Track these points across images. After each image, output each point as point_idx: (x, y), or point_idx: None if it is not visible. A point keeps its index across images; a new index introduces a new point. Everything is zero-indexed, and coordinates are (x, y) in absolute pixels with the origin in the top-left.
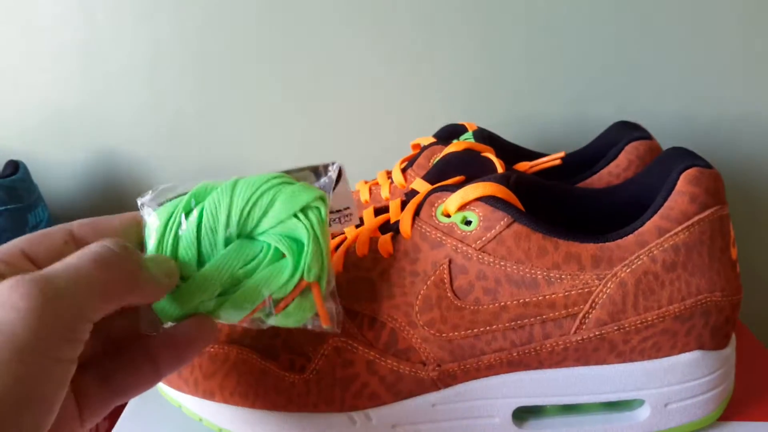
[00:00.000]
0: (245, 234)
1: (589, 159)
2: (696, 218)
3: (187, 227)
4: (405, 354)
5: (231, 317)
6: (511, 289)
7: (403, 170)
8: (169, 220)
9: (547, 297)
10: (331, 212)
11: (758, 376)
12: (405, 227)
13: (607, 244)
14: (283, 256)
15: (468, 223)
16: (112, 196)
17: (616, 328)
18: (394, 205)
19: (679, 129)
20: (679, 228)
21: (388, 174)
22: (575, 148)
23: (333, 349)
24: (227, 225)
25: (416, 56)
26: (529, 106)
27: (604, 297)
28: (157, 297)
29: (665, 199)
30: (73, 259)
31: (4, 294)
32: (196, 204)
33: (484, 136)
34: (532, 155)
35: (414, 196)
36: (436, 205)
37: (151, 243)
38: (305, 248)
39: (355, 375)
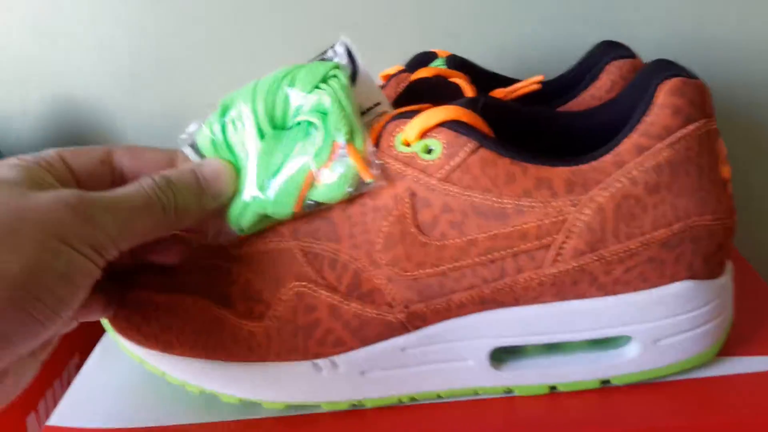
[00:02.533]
0: (279, 125)
1: (570, 83)
2: (680, 133)
3: (228, 135)
4: (370, 296)
5: (284, 208)
6: (478, 221)
7: None
8: (211, 135)
9: (517, 228)
10: (362, 112)
11: (758, 310)
12: None
13: (580, 167)
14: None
15: (430, 151)
16: (71, 145)
17: (595, 258)
18: None
19: (669, 53)
20: (661, 144)
21: None
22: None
23: (293, 295)
24: (256, 121)
25: None
26: (511, 34)
27: (581, 224)
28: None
29: (644, 114)
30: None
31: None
32: (227, 113)
33: (456, 62)
34: (510, 82)
35: None
36: (394, 134)
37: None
38: (329, 111)
39: (318, 321)
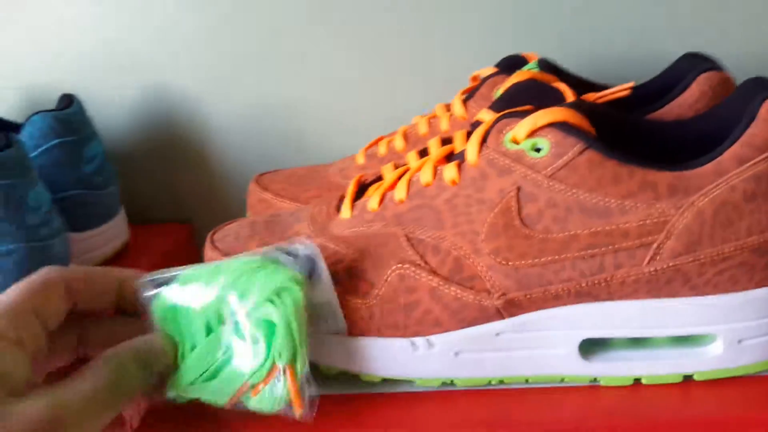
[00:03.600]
0: (226, 317)
1: (657, 91)
2: None
3: (173, 314)
4: (469, 282)
5: (217, 401)
6: (582, 218)
7: (464, 102)
8: (162, 308)
9: (620, 226)
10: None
11: None
12: (472, 154)
13: (684, 172)
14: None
15: (538, 150)
16: (164, 133)
17: (691, 259)
18: (460, 135)
19: (749, 67)
20: (761, 157)
21: (447, 108)
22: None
23: (397, 276)
24: (205, 313)
25: None
26: (590, 39)
27: (680, 227)
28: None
29: (747, 127)
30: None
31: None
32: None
33: (548, 66)
34: (597, 87)
35: (478, 126)
36: (504, 131)
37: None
38: (277, 333)
39: (419, 301)
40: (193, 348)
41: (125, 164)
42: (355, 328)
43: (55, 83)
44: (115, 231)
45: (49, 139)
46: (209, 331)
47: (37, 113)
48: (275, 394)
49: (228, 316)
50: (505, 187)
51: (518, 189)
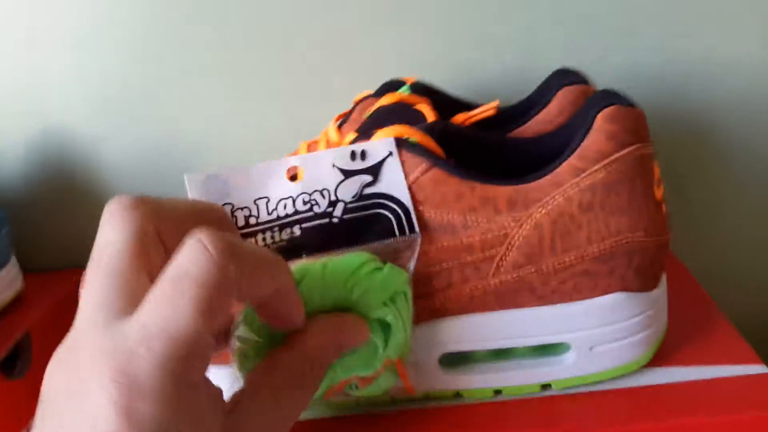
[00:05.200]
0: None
1: (525, 109)
2: (613, 157)
3: None
4: None
5: (320, 390)
6: (429, 234)
7: (339, 126)
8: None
9: (464, 241)
10: None
11: (693, 319)
12: None
13: (522, 186)
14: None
15: None
16: (56, 176)
17: (533, 270)
18: None
19: (626, 80)
20: (596, 167)
21: (327, 132)
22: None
23: None
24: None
25: (363, 7)
26: (480, 59)
27: (520, 239)
28: None
29: (582, 139)
30: None
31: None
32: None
33: (420, 88)
34: (472, 106)
35: None
36: None
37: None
38: (392, 334)
39: None
40: None
41: (15, 210)
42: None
43: None
44: (5, 281)
45: None
46: None
47: None
48: (385, 383)
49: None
50: None
51: None
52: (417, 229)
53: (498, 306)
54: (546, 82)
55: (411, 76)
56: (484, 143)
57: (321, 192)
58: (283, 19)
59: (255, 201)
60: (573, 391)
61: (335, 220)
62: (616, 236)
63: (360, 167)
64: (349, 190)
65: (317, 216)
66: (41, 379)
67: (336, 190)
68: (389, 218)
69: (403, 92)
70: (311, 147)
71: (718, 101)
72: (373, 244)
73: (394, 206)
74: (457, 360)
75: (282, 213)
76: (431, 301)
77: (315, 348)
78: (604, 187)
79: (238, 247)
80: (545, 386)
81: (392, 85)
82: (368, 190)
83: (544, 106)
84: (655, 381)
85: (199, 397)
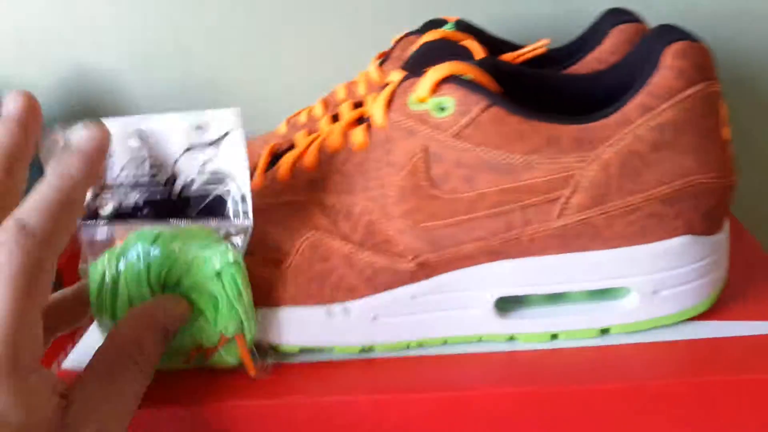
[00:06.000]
0: (169, 286)
1: (576, 49)
2: (683, 94)
3: (119, 279)
4: (383, 246)
5: (170, 365)
6: (489, 176)
7: (380, 65)
8: (103, 272)
9: (527, 182)
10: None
11: (752, 274)
12: (378, 118)
13: (588, 125)
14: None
15: (442, 109)
16: (81, 116)
17: (599, 212)
18: (371, 98)
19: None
20: (665, 105)
21: (367, 72)
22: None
23: (309, 244)
24: (148, 279)
25: None
26: (515, 4)
27: (586, 180)
28: None
29: (650, 75)
30: None
31: None
32: (123, 255)
33: (465, 27)
34: (517, 47)
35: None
36: (409, 92)
37: (92, 292)
38: (219, 310)
39: (332, 268)
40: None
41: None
42: (270, 299)
43: None
44: None
45: None
46: (154, 294)
47: None
48: (228, 358)
49: (173, 285)
50: (412, 148)
51: (425, 150)
52: (250, 214)
53: (559, 249)
54: (596, 22)
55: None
56: (539, 80)
57: (164, 161)
58: None
59: (107, 156)
60: (630, 339)
61: (173, 195)
62: (685, 177)
63: (202, 141)
64: (190, 163)
65: (158, 186)
66: None
67: (178, 162)
68: (225, 200)
69: (447, 29)
70: (350, 87)
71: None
72: (207, 222)
73: (231, 188)
74: (511, 303)
75: (125, 176)
76: (489, 243)
77: (129, 334)
78: (674, 126)
79: (34, 220)
80: (604, 330)
81: (435, 24)
82: (209, 167)
83: (597, 44)
84: (712, 334)
85: (29, 378)
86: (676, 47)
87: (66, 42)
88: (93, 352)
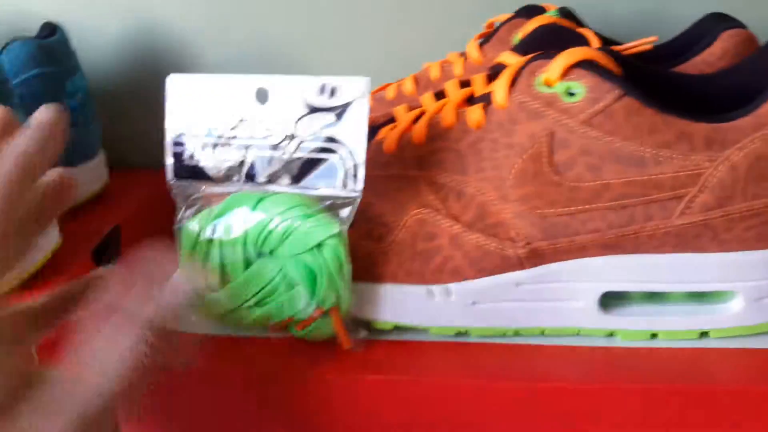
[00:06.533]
0: (265, 252)
1: (679, 48)
2: None
3: (213, 240)
4: (493, 229)
5: (261, 325)
6: (616, 167)
7: (480, 46)
8: (198, 233)
9: (654, 177)
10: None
11: None
12: (500, 97)
13: (721, 125)
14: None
15: (572, 94)
16: (151, 72)
17: (721, 214)
18: (479, 78)
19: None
20: None
21: (460, 55)
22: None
23: (415, 221)
24: (245, 244)
25: None
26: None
27: (714, 180)
28: None
29: None
30: None
31: None
32: (222, 216)
33: (569, 15)
34: (615, 42)
35: (501, 69)
36: (536, 73)
37: (185, 252)
38: (318, 282)
39: (438, 248)
40: (226, 276)
41: (107, 103)
42: (369, 274)
43: (37, 10)
44: (94, 173)
45: (29, 68)
46: (247, 262)
47: (16, 39)
48: (322, 331)
49: (268, 252)
50: (537, 131)
51: (551, 134)
52: (361, 186)
53: (674, 248)
54: (700, 24)
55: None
56: (664, 77)
57: (281, 122)
58: None
59: (221, 112)
60: (730, 344)
61: (285, 155)
62: None
63: (326, 104)
64: (308, 127)
65: (270, 147)
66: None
67: (296, 124)
68: (337, 167)
69: (553, 15)
70: (443, 66)
71: None
72: (314, 190)
73: (347, 155)
74: (613, 299)
75: (239, 133)
76: (605, 236)
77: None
78: None
79: None
80: (704, 333)
81: (533, 10)
82: (326, 132)
83: (706, 47)
84: None
85: None
86: None
87: None
88: None
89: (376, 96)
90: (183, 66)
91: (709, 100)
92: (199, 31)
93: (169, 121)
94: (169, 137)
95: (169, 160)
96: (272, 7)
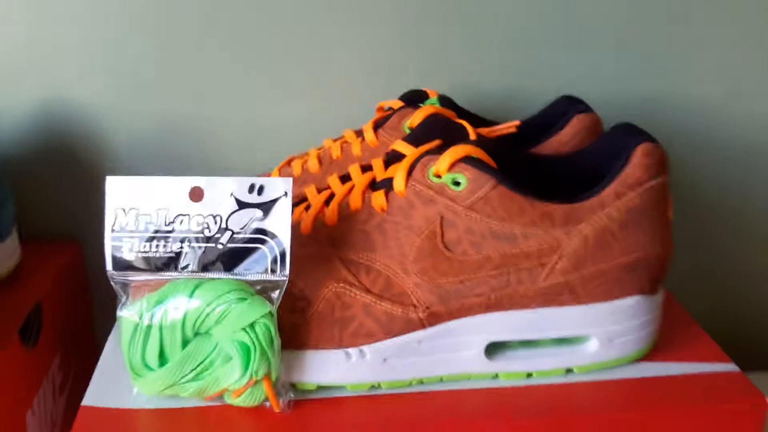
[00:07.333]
0: (201, 332)
1: (537, 128)
2: (647, 185)
3: (153, 324)
4: (399, 298)
5: (196, 396)
6: (494, 242)
7: (374, 130)
8: (138, 319)
9: (524, 249)
10: None
11: (672, 326)
12: (399, 186)
13: (575, 204)
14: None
15: (457, 183)
16: (61, 146)
17: (577, 275)
18: (377, 163)
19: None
20: (633, 193)
21: (355, 134)
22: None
23: (332, 294)
24: (183, 327)
25: (364, 24)
26: (473, 78)
27: (570, 249)
28: None
29: (622, 168)
30: None
31: None
32: (161, 303)
33: (448, 101)
34: (485, 122)
35: (396, 156)
36: (428, 166)
37: (125, 335)
38: (251, 356)
39: (353, 316)
40: (164, 356)
41: (17, 176)
42: (293, 342)
43: None
44: (6, 252)
45: None
46: (185, 342)
47: None
48: (254, 397)
49: (205, 332)
50: (430, 215)
51: (441, 217)
52: (288, 271)
53: (541, 304)
54: (554, 106)
55: (422, 86)
56: (525, 160)
57: (215, 217)
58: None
59: (157, 210)
60: (590, 378)
61: (219, 246)
62: (642, 250)
63: (254, 201)
64: (239, 221)
65: (206, 239)
66: (52, 346)
67: (228, 218)
68: (267, 255)
69: (434, 105)
70: (343, 147)
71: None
72: (246, 276)
73: (274, 245)
74: (495, 347)
75: (176, 227)
76: (488, 298)
77: None
78: (638, 210)
79: None
80: (569, 370)
81: (417, 95)
82: (255, 225)
83: (560, 129)
84: (652, 373)
85: None
86: (645, 147)
87: (43, 72)
88: (113, 387)
89: (282, 171)
90: (90, 141)
91: (563, 179)
92: (111, 104)
93: (108, 219)
94: (108, 233)
95: (109, 253)
96: (180, 84)
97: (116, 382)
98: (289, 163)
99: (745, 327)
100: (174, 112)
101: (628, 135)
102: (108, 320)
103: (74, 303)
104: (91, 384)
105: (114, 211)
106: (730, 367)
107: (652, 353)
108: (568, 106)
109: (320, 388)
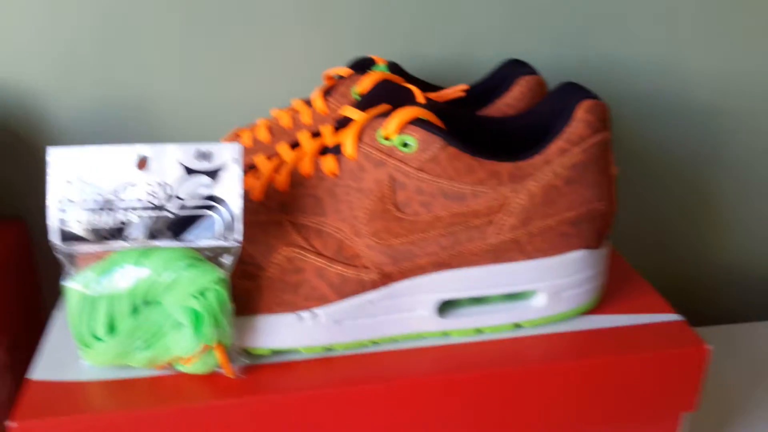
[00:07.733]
0: (151, 300)
1: (485, 92)
2: (590, 141)
3: (100, 294)
4: (351, 260)
5: (146, 366)
6: (444, 202)
7: (324, 98)
8: (86, 288)
9: (473, 208)
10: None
11: (618, 280)
12: (349, 149)
13: (519, 162)
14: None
15: (406, 145)
16: (4, 127)
17: (524, 231)
18: (328, 130)
19: (552, 69)
20: (577, 149)
21: (304, 103)
22: (466, 83)
23: (284, 259)
24: (132, 296)
25: None
26: (420, 46)
27: (517, 206)
28: None
29: (565, 125)
30: None
31: None
32: (108, 272)
33: (396, 68)
34: (433, 88)
35: (346, 121)
36: (377, 129)
37: (72, 306)
38: (204, 323)
39: (305, 280)
40: (114, 326)
41: None
42: (246, 308)
43: None
44: None
45: None
46: (135, 311)
47: None
48: (207, 364)
49: (154, 301)
50: (381, 177)
51: (392, 179)
52: (240, 236)
53: (491, 261)
54: (500, 71)
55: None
56: (472, 120)
57: (162, 185)
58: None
59: (103, 179)
60: (538, 331)
61: (169, 214)
62: (587, 205)
63: (202, 168)
64: (187, 188)
65: (154, 207)
66: None
67: (176, 186)
68: (216, 222)
69: (383, 71)
70: (293, 115)
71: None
72: (196, 242)
73: (224, 211)
74: (445, 305)
75: (124, 197)
76: (438, 256)
77: None
78: (582, 165)
79: None
80: (518, 325)
81: (365, 62)
82: (204, 191)
83: (505, 91)
84: (598, 325)
85: None
86: (587, 104)
87: None
88: (59, 360)
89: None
90: (33, 117)
91: (511, 139)
92: (49, 84)
93: (51, 190)
94: (54, 204)
95: (54, 225)
96: (119, 61)
97: (64, 355)
98: (236, 134)
99: (689, 283)
100: (117, 86)
101: (571, 94)
102: (58, 298)
103: (21, 283)
104: (36, 358)
105: (57, 182)
106: (674, 317)
107: (599, 307)
108: (513, 69)
109: (274, 352)
